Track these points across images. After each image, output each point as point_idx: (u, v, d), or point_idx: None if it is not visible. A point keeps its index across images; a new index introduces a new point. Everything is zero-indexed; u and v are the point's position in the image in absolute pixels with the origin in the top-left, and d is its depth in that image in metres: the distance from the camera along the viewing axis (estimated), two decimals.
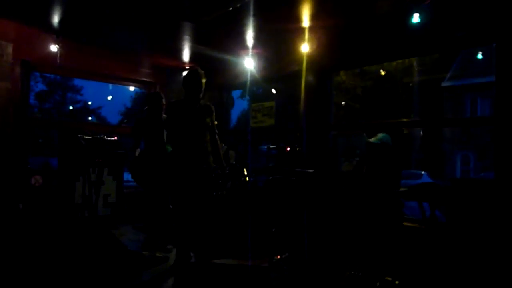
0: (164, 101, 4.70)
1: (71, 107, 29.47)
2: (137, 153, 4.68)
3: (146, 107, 4.66)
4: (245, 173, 5.04)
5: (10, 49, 5.11)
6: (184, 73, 3.91)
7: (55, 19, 4.67)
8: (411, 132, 19.97)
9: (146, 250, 4.33)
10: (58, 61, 5.24)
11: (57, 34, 5.11)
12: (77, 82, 29.00)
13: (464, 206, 3.56)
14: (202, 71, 3.77)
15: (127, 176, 5.55)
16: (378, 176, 3.97)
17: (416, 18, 3.90)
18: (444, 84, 20.85)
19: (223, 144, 5.99)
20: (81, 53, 5.77)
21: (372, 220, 3.75)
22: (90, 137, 5.23)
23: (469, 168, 20.30)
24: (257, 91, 15.99)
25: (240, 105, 31.33)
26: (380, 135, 4.13)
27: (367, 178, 4.07)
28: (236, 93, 26.78)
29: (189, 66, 6.65)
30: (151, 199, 4.55)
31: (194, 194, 3.64)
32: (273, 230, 4.36)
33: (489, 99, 18.84)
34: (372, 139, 4.11)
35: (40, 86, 27.31)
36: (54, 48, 5.17)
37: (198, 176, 3.64)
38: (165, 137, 4.59)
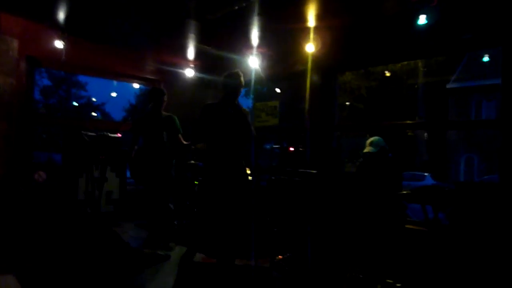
0: (165, 98, 4.67)
1: (75, 103, 29.54)
2: (134, 151, 4.66)
3: (151, 104, 4.63)
4: (248, 172, 5.03)
5: (15, 44, 5.12)
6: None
7: (61, 15, 4.67)
8: (416, 133, 19.91)
9: (148, 248, 4.34)
10: (63, 57, 5.23)
11: (63, 31, 5.10)
12: (82, 78, 29.06)
13: (468, 209, 3.55)
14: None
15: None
16: (378, 181, 3.95)
17: (422, 19, 3.87)
18: (449, 85, 20.72)
19: None
20: (86, 50, 5.76)
21: (375, 222, 3.74)
22: (94, 134, 5.24)
23: (472, 170, 20.17)
24: (261, 89, 15.94)
25: (243, 103, 31.25)
26: (374, 139, 4.08)
27: (369, 180, 4.06)
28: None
29: (194, 64, 6.65)
30: (151, 197, 4.55)
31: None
32: (275, 230, 4.36)
33: (494, 101, 18.73)
34: (365, 150, 4.07)
35: (45, 82, 27.40)
36: (59, 44, 5.15)
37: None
38: (164, 135, 4.58)
